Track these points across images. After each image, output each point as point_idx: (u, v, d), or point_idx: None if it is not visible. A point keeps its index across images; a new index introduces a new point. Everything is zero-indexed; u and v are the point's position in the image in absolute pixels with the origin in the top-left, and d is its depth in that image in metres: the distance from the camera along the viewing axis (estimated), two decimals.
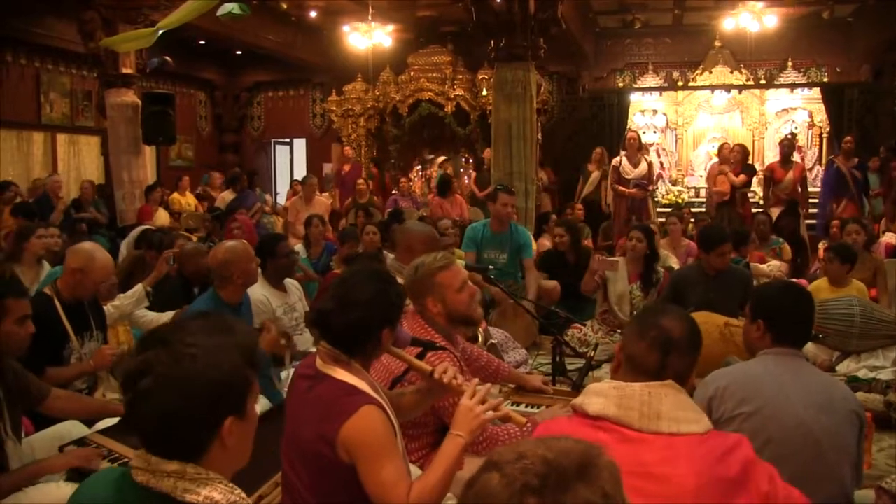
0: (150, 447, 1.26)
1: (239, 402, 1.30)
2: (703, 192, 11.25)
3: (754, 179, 10.66)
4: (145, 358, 1.25)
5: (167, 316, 4.19)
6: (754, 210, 9.23)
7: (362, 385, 1.97)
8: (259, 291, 4.11)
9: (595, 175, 9.88)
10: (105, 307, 3.89)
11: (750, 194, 9.91)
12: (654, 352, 1.70)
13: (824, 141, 11.87)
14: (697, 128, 12.78)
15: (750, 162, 9.40)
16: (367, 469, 1.87)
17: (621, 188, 8.78)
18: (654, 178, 9.12)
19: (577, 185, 10.23)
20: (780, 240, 6.80)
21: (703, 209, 9.70)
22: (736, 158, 9.04)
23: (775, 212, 8.16)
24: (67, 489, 2.33)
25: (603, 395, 1.67)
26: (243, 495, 1.29)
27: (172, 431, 1.24)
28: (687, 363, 1.73)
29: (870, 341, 4.18)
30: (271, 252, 4.26)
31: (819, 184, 10.34)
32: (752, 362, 2.33)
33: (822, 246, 7.59)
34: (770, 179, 9.09)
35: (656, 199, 9.41)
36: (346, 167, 11.23)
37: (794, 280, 6.20)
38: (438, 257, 2.86)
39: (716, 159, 10.12)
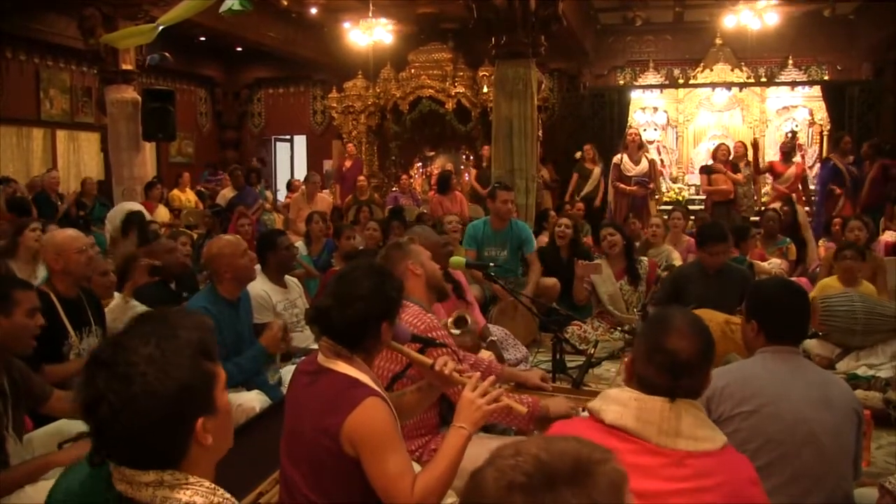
0: (125, 463, 1.23)
1: (204, 401, 1.25)
2: (701, 191, 11.25)
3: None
4: (95, 386, 1.19)
5: None
6: (757, 207, 9.25)
7: (365, 379, 1.98)
8: (259, 286, 4.12)
9: (597, 172, 9.87)
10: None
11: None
12: (663, 376, 1.66)
13: (825, 139, 11.85)
14: (698, 125, 12.75)
15: (732, 159, 9.37)
16: (371, 461, 1.88)
17: (622, 186, 8.77)
18: (656, 175, 9.10)
19: (571, 184, 10.22)
20: (787, 239, 6.78)
21: (702, 206, 9.69)
22: (724, 157, 9.05)
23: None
24: None
25: (622, 403, 1.64)
26: (227, 495, 1.27)
27: (144, 450, 1.21)
28: (699, 380, 1.69)
29: (873, 336, 4.18)
30: (271, 245, 4.27)
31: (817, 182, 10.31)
32: (750, 361, 2.33)
33: (822, 244, 7.59)
34: (770, 172, 9.12)
35: (657, 196, 9.38)
36: (348, 163, 11.23)
37: (796, 278, 6.22)
38: (407, 237, 2.98)
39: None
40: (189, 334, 1.25)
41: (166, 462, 1.22)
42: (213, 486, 1.25)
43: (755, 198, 9.60)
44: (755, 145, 9.58)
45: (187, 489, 1.21)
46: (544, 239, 7.15)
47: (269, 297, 4.18)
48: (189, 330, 1.26)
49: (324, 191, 10.39)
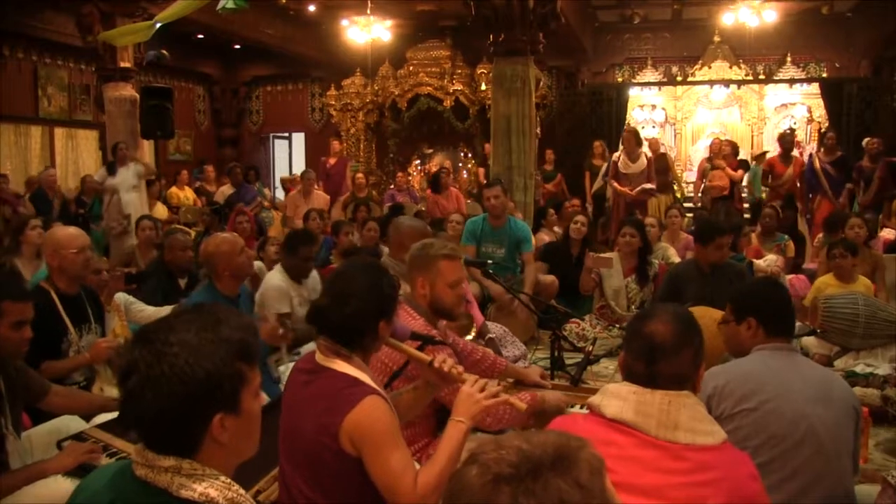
0: (146, 442, 1.26)
1: (228, 398, 1.26)
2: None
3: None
4: (131, 357, 1.24)
5: (166, 310, 4.18)
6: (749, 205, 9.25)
7: (364, 377, 1.98)
8: (279, 278, 4.16)
9: (604, 169, 9.80)
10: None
11: (747, 189, 9.91)
12: (640, 361, 1.69)
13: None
14: (696, 123, 12.78)
15: (741, 157, 9.37)
16: (374, 458, 1.88)
17: (617, 185, 8.74)
18: (664, 170, 9.03)
19: (584, 181, 10.16)
20: (785, 236, 6.78)
21: (699, 205, 9.69)
22: (726, 153, 9.03)
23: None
24: (65, 483, 2.33)
25: (621, 398, 1.66)
26: (241, 491, 1.29)
27: (160, 429, 1.24)
28: (678, 365, 1.68)
29: (872, 340, 4.19)
30: (293, 250, 4.29)
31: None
32: (749, 358, 2.34)
33: (818, 241, 7.58)
34: (769, 174, 9.10)
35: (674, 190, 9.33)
36: (332, 160, 11.15)
37: (794, 275, 6.22)
38: (449, 246, 2.85)
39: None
40: (231, 332, 1.28)
41: (180, 448, 1.25)
42: (228, 480, 1.28)
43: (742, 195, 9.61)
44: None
45: (203, 481, 1.24)
46: (543, 237, 7.14)
47: (288, 289, 4.21)
48: (232, 328, 1.29)
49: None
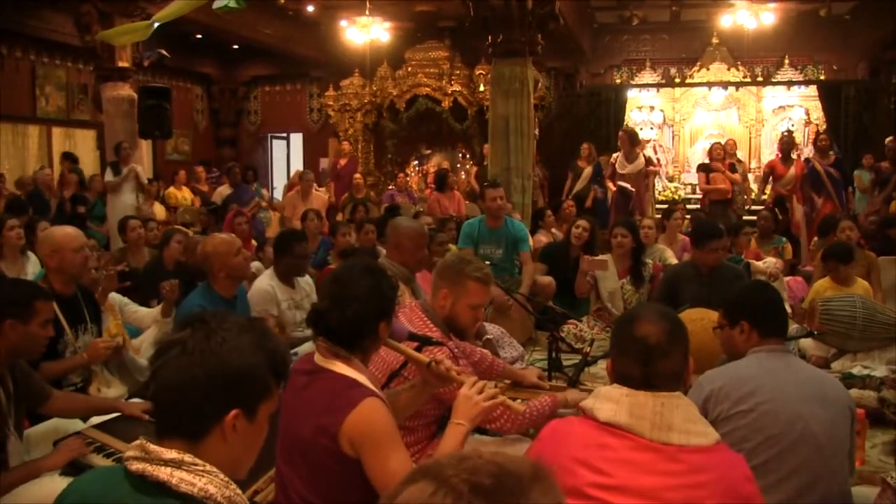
0: (158, 416, 1.31)
1: (250, 399, 1.32)
2: (698, 189, 11.23)
3: (750, 176, 10.67)
4: (182, 334, 1.31)
5: (157, 311, 4.19)
6: (753, 206, 9.25)
7: (362, 379, 1.99)
8: (266, 282, 4.14)
9: (587, 171, 9.76)
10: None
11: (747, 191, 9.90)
12: (637, 365, 1.68)
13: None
14: (694, 124, 12.79)
15: (710, 160, 9.34)
16: (373, 460, 1.89)
17: (611, 185, 8.75)
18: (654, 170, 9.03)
19: (567, 182, 10.18)
20: (783, 238, 6.78)
21: (699, 205, 9.68)
22: (719, 156, 9.02)
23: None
24: (62, 483, 2.32)
25: (614, 400, 1.66)
26: (238, 491, 1.29)
27: (180, 402, 1.28)
28: (673, 363, 1.69)
29: (869, 343, 4.19)
30: (287, 249, 4.25)
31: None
32: (745, 360, 2.35)
33: (814, 244, 7.59)
34: (770, 176, 9.10)
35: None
36: (343, 161, 11.23)
37: (791, 277, 6.22)
38: (484, 270, 2.83)
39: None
40: (273, 346, 1.38)
41: (188, 430, 1.27)
42: (227, 479, 1.29)
43: (745, 196, 9.60)
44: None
45: (203, 476, 1.24)
46: (541, 238, 7.14)
47: (275, 292, 4.19)
48: (275, 344, 1.39)
49: (320, 188, 10.39)
